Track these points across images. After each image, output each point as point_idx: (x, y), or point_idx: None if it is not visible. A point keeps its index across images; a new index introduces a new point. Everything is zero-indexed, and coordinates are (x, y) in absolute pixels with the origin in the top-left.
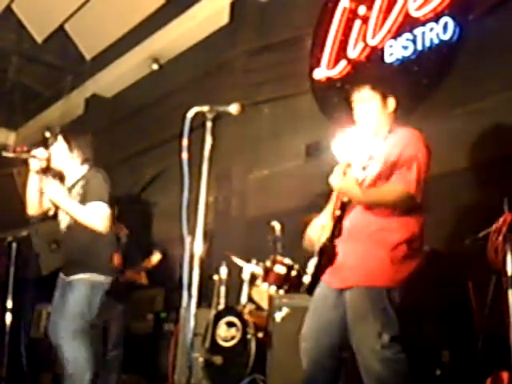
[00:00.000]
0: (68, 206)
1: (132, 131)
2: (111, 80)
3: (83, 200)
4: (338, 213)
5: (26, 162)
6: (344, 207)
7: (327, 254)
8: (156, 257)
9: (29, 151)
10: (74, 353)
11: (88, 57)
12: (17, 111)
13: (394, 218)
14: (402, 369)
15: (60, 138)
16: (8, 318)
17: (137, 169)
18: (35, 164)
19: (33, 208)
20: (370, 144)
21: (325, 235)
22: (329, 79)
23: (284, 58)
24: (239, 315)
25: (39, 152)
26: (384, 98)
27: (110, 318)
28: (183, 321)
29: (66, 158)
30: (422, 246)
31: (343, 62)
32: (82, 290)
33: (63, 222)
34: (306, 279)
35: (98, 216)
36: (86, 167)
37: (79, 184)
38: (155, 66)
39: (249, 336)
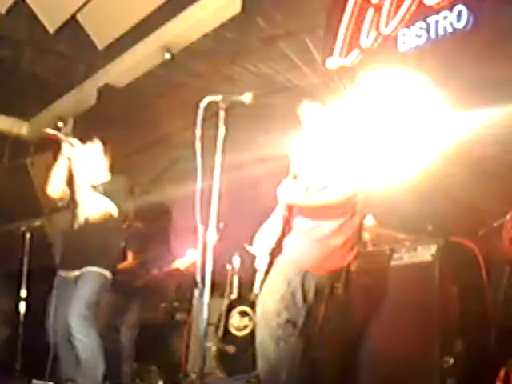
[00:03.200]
0: None
1: (145, 121)
2: (124, 70)
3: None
4: (285, 213)
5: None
6: (290, 209)
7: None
8: (189, 260)
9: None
10: (91, 340)
11: (100, 46)
12: (29, 101)
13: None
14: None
15: (97, 139)
16: (22, 307)
17: (150, 159)
18: (69, 150)
19: (54, 191)
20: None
21: (274, 236)
22: (342, 68)
23: (296, 47)
24: (252, 305)
25: (76, 142)
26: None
27: (126, 310)
28: (196, 310)
29: (98, 159)
30: (357, 241)
31: (356, 51)
32: (95, 281)
33: (80, 215)
34: (260, 276)
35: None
36: (108, 174)
37: (101, 187)
38: (168, 56)
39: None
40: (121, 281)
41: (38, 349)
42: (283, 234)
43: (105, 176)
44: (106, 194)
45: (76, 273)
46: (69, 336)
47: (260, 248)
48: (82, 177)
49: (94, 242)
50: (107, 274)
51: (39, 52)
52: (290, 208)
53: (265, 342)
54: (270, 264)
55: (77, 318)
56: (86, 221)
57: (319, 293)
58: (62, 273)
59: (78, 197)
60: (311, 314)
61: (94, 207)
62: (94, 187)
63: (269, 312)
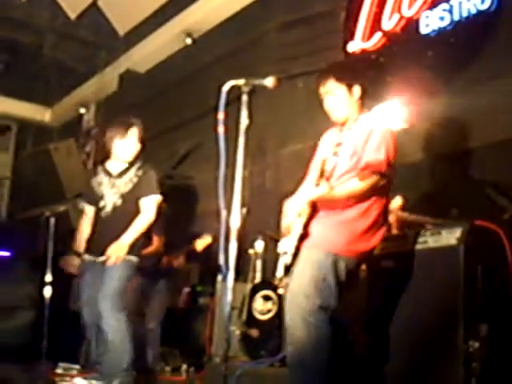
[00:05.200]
0: None
1: (166, 106)
2: (145, 55)
3: (135, 189)
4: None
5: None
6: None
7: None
8: (205, 240)
9: None
10: (120, 326)
11: (121, 32)
12: (52, 88)
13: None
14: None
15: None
16: (47, 291)
17: (171, 144)
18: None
19: None
20: (339, 132)
21: (301, 221)
22: (363, 52)
23: (318, 31)
24: (275, 289)
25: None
26: (349, 87)
27: (151, 295)
28: (219, 294)
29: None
30: (383, 224)
31: (378, 34)
32: (123, 267)
33: (109, 202)
34: (287, 259)
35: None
36: (139, 161)
37: (133, 173)
38: (189, 41)
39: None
40: (146, 266)
41: (63, 333)
42: (310, 218)
43: (135, 162)
44: (138, 180)
45: (104, 258)
46: (99, 320)
47: (288, 231)
48: (114, 163)
49: (122, 228)
50: (134, 259)
51: (61, 39)
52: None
53: (295, 327)
54: (296, 248)
55: (106, 304)
56: (115, 209)
57: (349, 276)
58: (89, 257)
59: (108, 187)
60: (342, 297)
61: (121, 196)
62: (124, 174)
63: (300, 296)
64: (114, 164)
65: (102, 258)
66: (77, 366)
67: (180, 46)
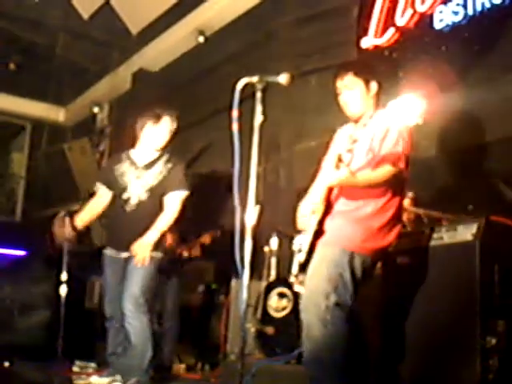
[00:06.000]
0: None
1: (179, 104)
2: (158, 54)
3: (163, 182)
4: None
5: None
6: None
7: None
8: (213, 234)
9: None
10: (143, 325)
11: (134, 31)
12: (65, 87)
13: (375, 200)
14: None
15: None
16: (63, 290)
17: (185, 142)
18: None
19: None
20: (354, 128)
21: (316, 218)
22: (376, 48)
23: (331, 28)
24: (290, 286)
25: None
26: (367, 82)
27: (165, 292)
28: (234, 292)
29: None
30: (398, 221)
31: (391, 30)
32: (150, 267)
33: (134, 195)
34: (301, 257)
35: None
36: (167, 153)
37: (162, 165)
38: (201, 39)
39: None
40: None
41: (79, 331)
42: (324, 215)
43: (164, 153)
44: (167, 173)
45: (128, 254)
46: (121, 316)
47: (300, 228)
48: (140, 152)
49: (147, 224)
50: (159, 256)
51: (74, 38)
52: (331, 190)
53: (311, 324)
54: (311, 245)
55: (130, 304)
56: (138, 204)
57: (365, 273)
58: (112, 252)
59: (133, 178)
60: (358, 294)
61: (148, 190)
62: (152, 165)
63: (316, 294)
64: (141, 153)
65: (125, 254)
66: (93, 364)
67: (193, 44)
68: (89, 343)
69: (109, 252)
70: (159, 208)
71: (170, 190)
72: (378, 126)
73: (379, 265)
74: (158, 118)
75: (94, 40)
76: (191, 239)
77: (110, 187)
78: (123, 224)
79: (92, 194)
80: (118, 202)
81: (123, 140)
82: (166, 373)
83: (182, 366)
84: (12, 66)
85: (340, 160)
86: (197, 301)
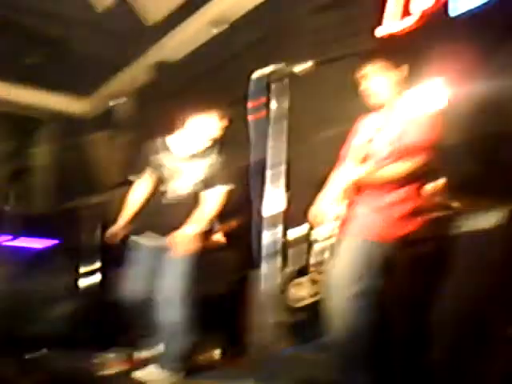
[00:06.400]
0: None
1: (199, 95)
2: (176, 45)
3: (206, 176)
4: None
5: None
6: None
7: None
8: (234, 221)
9: None
10: (178, 314)
11: (151, 23)
12: (85, 80)
13: (397, 189)
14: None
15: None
16: (87, 281)
17: None
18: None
19: None
20: (377, 117)
21: (338, 207)
22: (394, 36)
23: (351, 15)
24: (310, 276)
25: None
26: (393, 69)
27: None
28: (256, 282)
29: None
30: (422, 209)
31: (408, 18)
32: (189, 261)
33: (173, 187)
34: (319, 247)
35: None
36: (212, 147)
37: (206, 159)
38: (220, 28)
39: (319, 297)
40: None
41: (105, 322)
42: (346, 205)
43: (209, 147)
44: (210, 167)
45: (162, 243)
46: (153, 306)
47: (319, 219)
48: (182, 143)
49: (185, 217)
50: (198, 248)
51: (92, 31)
52: (353, 183)
53: (336, 314)
54: (333, 235)
55: (167, 294)
56: (179, 196)
57: (387, 262)
58: (145, 241)
59: (174, 170)
60: (383, 284)
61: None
62: (196, 158)
63: (340, 283)
64: (182, 144)
65: (162, 244)
66: (120, 355)
67: (211, 33)
68: (115, 334)
69: (141, 240)
70: (199, 201)
71: (212, 184)
72: (402, 115)
73: (402, 253)
74: (209, 110)
75: (113, 32)
76: (213, 228)
77: (149, 175)
78: (161, 214)
79: (115, 186)
80: (156, 190)
81: (144, 131)
82: (189, 362)
83: (207, 355)
84: (31, 60)
85: (362, 154)
86: (219, 290)
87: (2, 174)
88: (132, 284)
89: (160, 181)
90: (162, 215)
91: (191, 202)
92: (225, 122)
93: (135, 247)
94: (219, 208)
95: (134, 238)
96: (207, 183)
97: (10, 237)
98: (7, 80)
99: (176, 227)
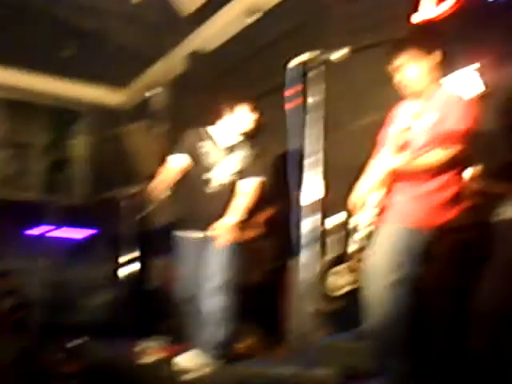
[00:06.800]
0: None
1: (234, 84)
2: (210, 35)
3: (244, 167)
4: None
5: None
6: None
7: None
8: (271, 210)
9: None
10: (223, 304)
11: (186, 14)
12: (121, 72)
13: (437, 177)
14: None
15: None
16: (125, 270)
17: None
18: None
19: None
20: (414, 104)
21: (377, 195)
22: (430, 22)
23: (387, 2)
24: (349, 264)
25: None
26: (429, 54)
27: None
28: (294, 270)
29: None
30: (462, 197)
31: (444, 3)
32: (232, 250)
33: (216, 177)
34: (361, 234)
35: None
36: (251, 138)
37: (244, 151)
38: (254, 17)
39: (358, 285)
40: None
41: (143, 310)
42: (385, 192)
43: (248, 138)
44: (248, 158)
45: (206, 234)
46: (198, 297)
47: (358, 206)
48: (223, 133)
49: (226, 207)
50: (239, 237)
51: (127, 22)
52: (391, 172)
53: (375, 301)
54: (372, 223)
55: (211, 283)
56: (220, 186)
57: (427, 249)
58: (188, 233)
59: (217, 160)
60: (421, 271)
61: (231, 173)
62: (236, 149)
63: (379, 271)
64: (223, 134)
65: (203, 235)
66: (160, 342)
67: (245, 23)
68: (154, 321)
69: (184, 233)
70: (236, 192)
71: (248, 175)
72: (439, 102)
73: (441, 241)
74: (240, 103)
75: (148, 24)
76: (250, 217)
77: (191, 159)
78: (203, 205)
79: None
80: (197, 181)
81: (180, 121)
82: (228, 351)
83: (247, 342)
84: (68, 52)
85: (399, 141)
86: (257, 279)
87: (43, 166)
88: (180, 277)
89: (205, 170)
90: (204, 204)
91: (229, 192)
92: (256, 114)
93: (180, 241)
94: (253, 199)
95: (178, 232)
96: (242, 174)
97: (52, 227)
98: (45, 73)
99: (217, 217)
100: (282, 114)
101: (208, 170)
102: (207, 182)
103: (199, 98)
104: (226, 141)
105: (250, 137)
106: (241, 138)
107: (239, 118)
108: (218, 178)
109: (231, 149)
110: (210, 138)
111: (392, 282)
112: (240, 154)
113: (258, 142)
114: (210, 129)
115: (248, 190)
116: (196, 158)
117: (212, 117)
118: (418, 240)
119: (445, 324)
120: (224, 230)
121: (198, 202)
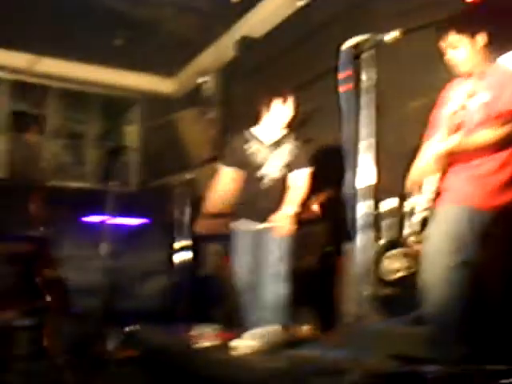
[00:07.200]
0: None
1: (285, 69)
2: (260, 20)
3: (291, 160)
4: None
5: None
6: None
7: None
8: (327, 193)
9: None
10: (280, 292)
11: (234, 0)
12: (172, 59)
13: (495, 156)
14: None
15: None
16: (180, 256)
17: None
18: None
19: None
20: (467, 84)
21: (434, 176)
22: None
23: None
24: (404, 248)
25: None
26: (472, 36)
27: None
28: (349, 254)
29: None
30: None
31: None
32: (288, 235)
33: (267, 173)
34: (418, 217)
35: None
36: (293, 131)
37: (290, 144)
38: (303, 1)
39: (414, 269)
40: None
41: (198, 296)
42: (441, 175)
43: (291, 131)
44: (294, 151)
45: (263, 226)
46: (257, 284)
47: (415, 189)
48: (265, 130)
49: (280, 199)
50: (295, 227)
51: (178, 10)
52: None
53: (434, 285)
54: (429, 206)
55: (269, 272)
56: (273, 178)
57: (485, 231)
58: (245, 226)
59: (265, 157)
60: (481, 253)
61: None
62: (281, 143)
63: (437, 254)
64: (266, 131)
65: (260, 227)
66: (214, 327)
67: (294, 7)
68: (208, 308)
69: (242, 226)
70: (287, 184)
71: (297, 167)
72: (493, 80)
73: (501, 222)
74: (285, 96)
75: (198, 11)
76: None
77: (241, 167)
78: (258, 199)
79: (205, 162)
80: (251, 179)
81: (231, 107)
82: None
83: (300, 328)
84: (120, 41)
85: (453, 122)
86: (312, 263)
87: (98, 155)
88: (238, 266)
89: (256, 168)
90: (258, 200)
91: (282, 186)
92: (295, 105)
93: (237, 234)
94: (306, 190)
95: (234, 224)
96: (290, 167)
97: (108, 215)
98: (98, 63)
99: (273, 210)
100: (335, 97)
101: (259, 168)
102: (260, 178)
103: (249, 84)
104: (269, 137)
105: (293, 128)
106: (284, 132)
107: (277, 113)
108: (269, 173)
109: (277, 144)
110: (255, 138)
111: (450, 264)
112: (286, 147)
113: (306, 131)
114: (253, 129)
115: (299, 183)
116: (246, 160)
117: (258, 108)
118: (477, 220)
119: (504, 307)
120: (282, 221)
121: (253, 198)
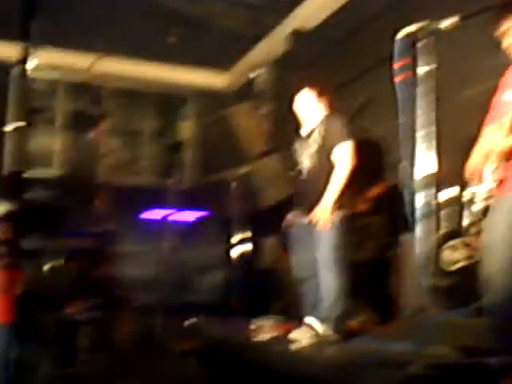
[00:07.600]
0: None
1: (338, 60)
2: (311, 12)
3: (324, 142)
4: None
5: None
6: None
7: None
8: (384, 185)
9: None
10: (335, 283)
11: None
12: (225, 55)
13: None
14: None
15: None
16: (236, 250)
17: (347, 96)
18: None
19: None
20: None
21: (491, 167)
22: None
23: None
24: (464, 239)
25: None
26: None
27: None
28: (407, 246)
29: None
30: None
31: None
32: (335, 227)
33: (303, 166)
34: (478, 207)
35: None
36: (322, 113)
37: (318, 129)
38: None
39: (475, 259)
40: None
41: (255, 289)
42: (503, 164)
43: (319, 118)
44: (325, 132)
45: (309, 219)
46: (313, 276)
47: (475, 178)
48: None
49: (322, 186)
50: (341, 215)
51: (229, 6)
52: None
53: (495, 276)
54: (490, 195)
55: (322, 264)
56: (308, 169)
57: None
58: (296, 218)
59: (301, 150)
60: None
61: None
62: (312, 133)
63: (498, 245)
64: (304, 126)
65: (307, 220)
66: (273, 320)
67: None
68: (264, 301)
69: (293, 218)
70: (330, 167)
71: (333, 145)
72: None
73: None
74: (307, 86)
75: (249, 5)
76: (359, 193)
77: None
78: (301, 192)
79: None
80: (297, 174)
81: (284, 101)
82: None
83: (358, 320)
84: (173, 39)
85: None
86: (368, 255)
87: (155, 151)
88: (294, 258)
89: (297, 164)
90: (302, 192)
91: (322, 173)
92: (322, 93)
93: (292, 226)
94: (352, 163)
95: (289, 216)
96: (324, 151)
97: (166, 210)
98: (152, 60)
99: (316, 200)
100: (389, 88)
101: (299, 163)
102: (300, 172)
103: (302, 76)
104: (306, 130)
105: (322, 117)
106: (317, 120)
107: (305, 104)
108: (303, 165)
109: (310, 133)
110: (299, 136)
111: (510, 256)
112: (316, 133)
113: (360, 122)
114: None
115: (340, 161)
116: (295, 159)
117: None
118: None
119: None
120: (322, 214)
121: (299, 191)
